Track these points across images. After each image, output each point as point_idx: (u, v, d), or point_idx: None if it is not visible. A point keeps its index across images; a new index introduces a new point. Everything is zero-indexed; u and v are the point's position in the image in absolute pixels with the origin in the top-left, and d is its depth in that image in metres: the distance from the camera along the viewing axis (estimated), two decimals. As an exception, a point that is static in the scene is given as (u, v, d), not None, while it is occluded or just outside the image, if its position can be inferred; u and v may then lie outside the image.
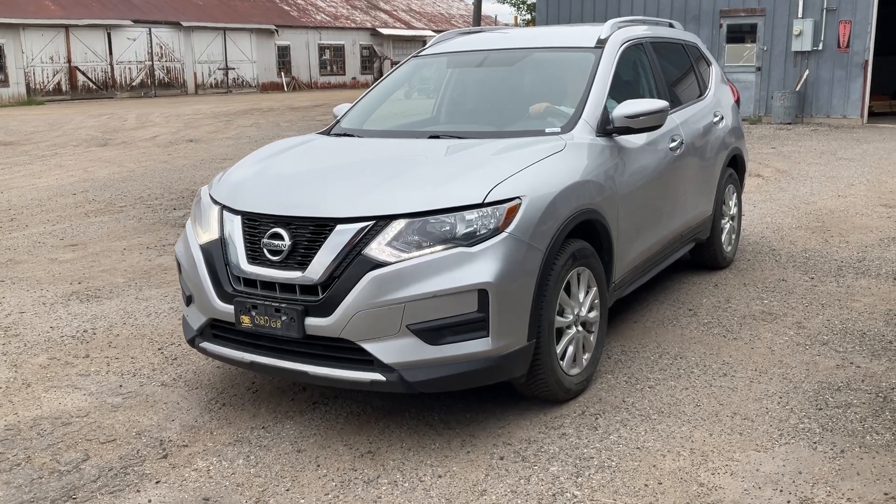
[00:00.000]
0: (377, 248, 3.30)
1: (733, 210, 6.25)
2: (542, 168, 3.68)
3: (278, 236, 3.48)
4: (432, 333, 3.27)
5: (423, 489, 3.17)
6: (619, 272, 4.33)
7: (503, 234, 3.36)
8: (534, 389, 3.68)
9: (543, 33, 5.22)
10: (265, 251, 3.51)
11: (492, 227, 3.36)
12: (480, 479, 3.23)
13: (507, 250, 3.34)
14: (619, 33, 4.86)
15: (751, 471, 3.21)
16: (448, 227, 3.34)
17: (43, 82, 35.72)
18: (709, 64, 6.22)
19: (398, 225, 3.34)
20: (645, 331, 4.84)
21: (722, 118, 5.91)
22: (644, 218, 4.58)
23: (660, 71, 5.20)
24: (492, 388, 3.84)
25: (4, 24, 35.24)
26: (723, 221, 6.04)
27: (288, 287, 3.44)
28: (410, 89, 5.19)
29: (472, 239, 3.33)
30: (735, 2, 18.55)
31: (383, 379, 3.29)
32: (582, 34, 4.88)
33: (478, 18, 27.12)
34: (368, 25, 48.01)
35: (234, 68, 41.62)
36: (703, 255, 6.01)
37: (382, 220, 3.35)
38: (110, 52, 37.36)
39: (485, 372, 3.37)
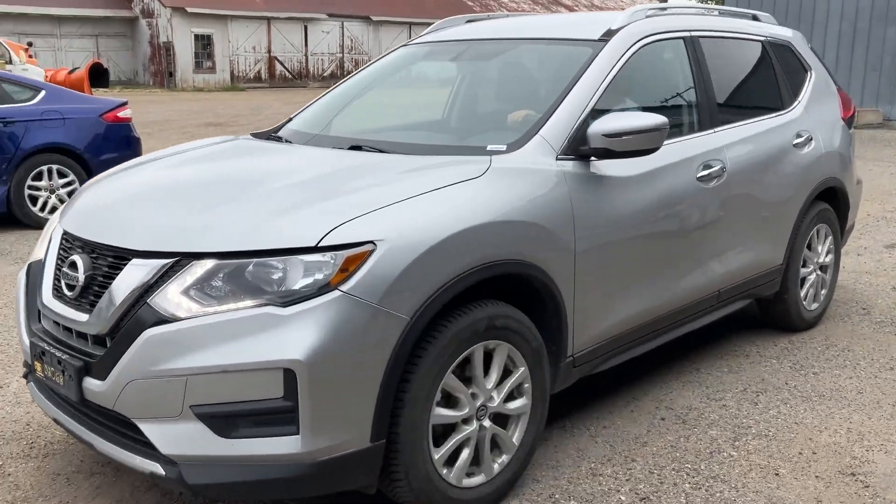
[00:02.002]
0: (170, 297, 2.48)
1: (824, 258, 4.85)
2: (426, 202, 2.70)
3: (74, 266, 2.76)
4: (223, 421, 2.42)
5: (590, 435, 3.53)
6: (582, 344, 3.27)
7: (333, 294, 2.43)
8: None
9: (551, 21, 4.12)
10: (63, 283, 2.81)
11: (320, 281, 2.46)
12: (642, 433, 3.55)
13: (335, 316, 2.42)
14: (637, 25, 3.73)
15: (904, 451, 3.28)
16: (265, 277, 2.48)
17: (245, 70, 37.78)
18: (806, 70, 4.85)
19: (202, 267, 2.50)
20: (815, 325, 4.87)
21: (810, 139, 4.54)
22: (638, 272, 3.47)
23: (706, 76, 3.99)
24: (657, 362, 4.25)
25: (215, 16, 37.46)
26: (803, 273, 4.69)
27: (79, 334, 2.72)
28: (394, 82, 4.25)
29: (289, 297, 2.44)
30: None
31: (162, 473, 2.47)
32: (591, 23, 3.78)
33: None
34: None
35: (420, 61, 42.22)
36: (770, 313, 4.70)
37: (186, 259, 2.54)
38: (306, 44, 38.96)
39: (297, 482, 2.47)
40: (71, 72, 21.88)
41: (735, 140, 4.02)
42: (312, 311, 2.41)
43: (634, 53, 3.64)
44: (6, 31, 33.42)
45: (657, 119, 3.20)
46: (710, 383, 4.05)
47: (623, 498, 3.05)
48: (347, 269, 2.45)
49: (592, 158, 3.24)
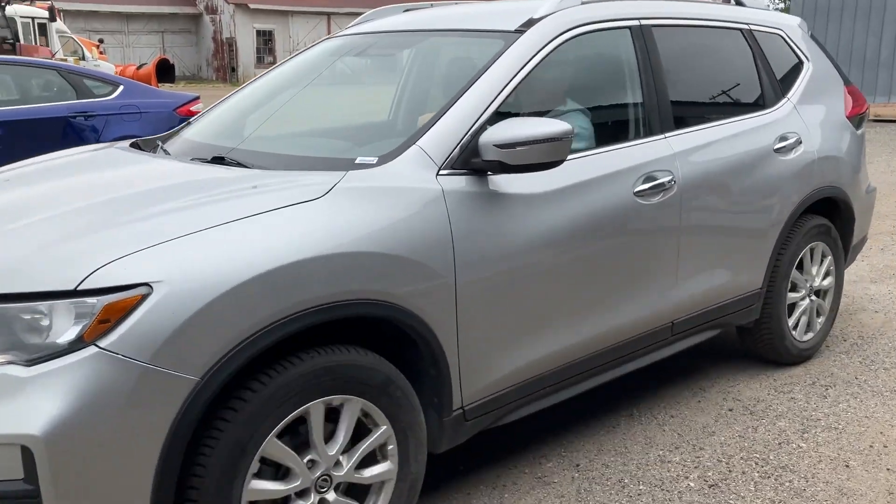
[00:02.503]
0: None
1: (820, 281, 4.17)
2: (235, 232, 2.21)
3: None
4: None
5: (657, 424, 3.54)
6: (475, 394, 2.74)
7: (88, 351, 1.97)
8: None
9: (475, 11, 3.56)
10: None
11: (72, 335, 2.00)
12: (710, 422, 3.56)
13: (88, 379, 1.95)
14: (567, 13, 3.14)
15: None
16: (8, 328, 2.02)
17: (305, 65, 37.83)
18: (802, 62, 4.17)
19: None
20: (886, 321, 4.80)
21: (799, 142, 3.88)
22: (551, 308, 2.91)
23: (658, 72, 3.38)
24: (721, 350, 4.30)
25: (276, 11, 37.70)
26: (792, 298, 4.04)
27: None
28: (310, 80, 3.71)
29: (35, 353, 1.98)
30: None
31: None
32: (513, 12, 3.19)
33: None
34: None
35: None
36: (751, 344, 4.07)
37: None
38: (364, 38, 38.73)
39: None
40: (139, 67, 22.25)
41: (691, 147, 3.41)
42: (59, 373, 1.95)
43: (558, 47, 3.07)
44: (78, 28, 34.13)
45: (559, 126, 2.65)
46: (777, 376, 4.03)
47: (692, 484, 3.10)
48: (109, 320, 1.99)
49: (489, 173, 2.71)
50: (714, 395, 3.83)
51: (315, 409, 2.31)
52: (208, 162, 2.86)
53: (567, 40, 3.11)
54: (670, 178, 3.25)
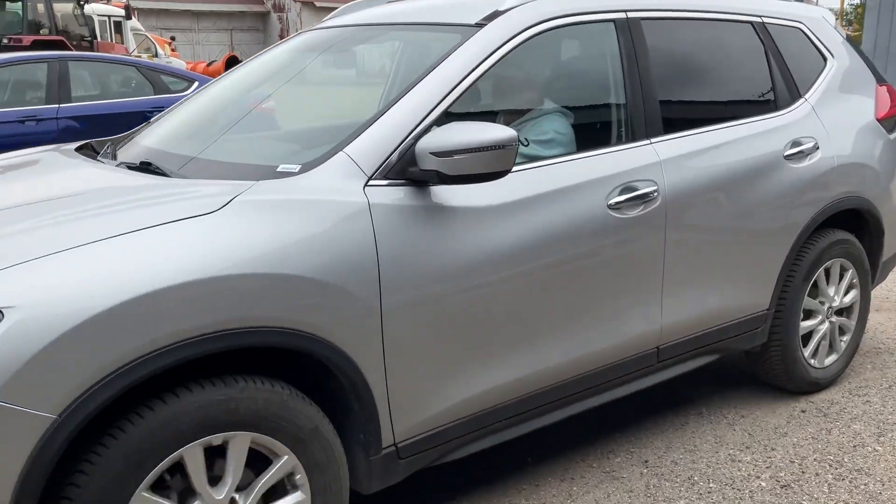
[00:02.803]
0: None
1: (840, 300, 3.75)
2: (107, 252, 1.97)
3: None
4: None
5: (727, 423, 3.50)
6: (409, 430, 2.46)
7: None
8: None
9: (447, 2, 3.24)
10: None
11: None
12: (782, 423, 3.50)
13: None
14: (537, 6, 2.84)
15: None
16: None
17: (369, 63, 37.87)
18: (825, 58, 3.75)
19: None
20: (970, 333, 4.58)
21: (816, 148, 3.48)
22: (502, 334, 2.61)
23: (645, 71, 3.03)
24: None
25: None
26: (809, 323, 3.64)
27: None
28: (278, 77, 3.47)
29: None
30: None
31: None
32: (481, 4, 2.87)
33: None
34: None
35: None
36: (758, 369, 3.69)
37: None
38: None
39: None
40: (209, 64, 22.62)
41: (682, 153, 3.05)
42: None
43: (525, 42, 2.76)
44: (150, 26, 34.84)
45: (503, 133, 2.35)
46: (852, 378, 3.94)
47: (763, 484, 3.06)
48: None
49: (428, 184, 2.43)
50: (786, 396, 3.72)
51: (190, 454, 2.06)
52: (134, 168, 2.65)
53: (537, 34, 2.81)
54: (653, 188, 2.91)
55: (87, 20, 18.87)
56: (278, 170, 2.39)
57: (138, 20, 25.70)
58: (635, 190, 2.87)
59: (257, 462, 2.21)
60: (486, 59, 2.66)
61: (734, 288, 3.28)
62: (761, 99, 3.51)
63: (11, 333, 1.80)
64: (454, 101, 2.58)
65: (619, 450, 3.29)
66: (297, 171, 2.37)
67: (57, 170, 2.80)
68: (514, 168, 2.65)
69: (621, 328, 2.92)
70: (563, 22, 2.89)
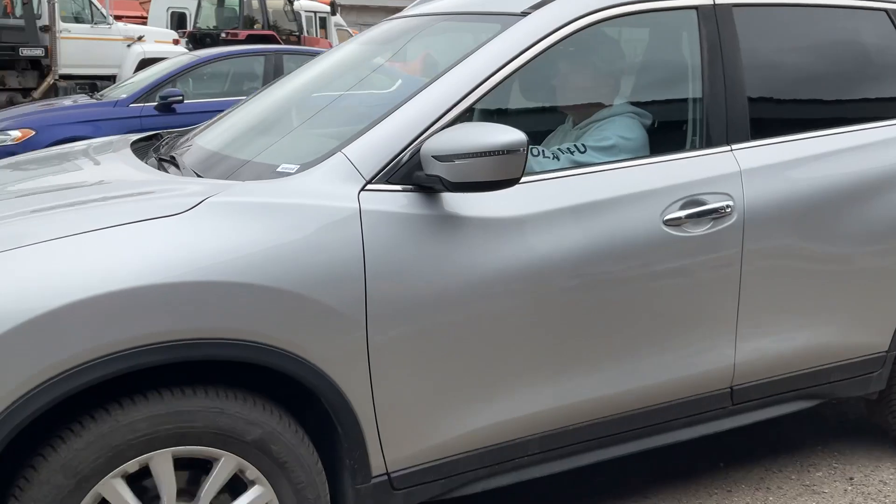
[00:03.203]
0: None
1: None
2: (62, 248, 1.86)
3: None
4: None
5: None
6: (404, 459, 2.23)
7: None
8: None
9: None
10: None
11: None
12: None
13: None
14: None
15: None
16: None
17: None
18: None
19: None
20: None
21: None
22: (526, 361, 2.32)
23: (732, 67, 2.60)
24: None
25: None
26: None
27: None
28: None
29: None
30: None
31: None
32: None
33: None
34: None
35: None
36: (878, 419, 3.13)
37: None
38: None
39: None
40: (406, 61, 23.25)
41: (769, 163, 2.60)
42: None
43: (575, 34, 2.44)
44: (351, 21, 36.29)
45: (509, 136, 2.06)
46: None
47: None
48: None
49: (440, 191, 2.18)
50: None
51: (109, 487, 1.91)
52: (163, 162, 2.58)
53: (594, 23, 2.48)
54: (727, 203, 2.49)
55: (296, 16, 19.84)
56: (278, 169, 2.23)
57: (341, 16, 26.74)
58: (702, 204, 2.47)
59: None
60: (524, 51, 2.37)
61: (839, 325, 2.77)
62: (888, 100, 2.95)
63: None
64: (480, 98, 2.31)
65: (820, 463, 3.14)
66: (293, 171, 2.19)
67: (93, 159, 2.79)
68: (549, 176, 2.37)
69: (680, 364, 2.53)
70: (629, 10, 2.54)
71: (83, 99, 9.58)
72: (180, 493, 2.00)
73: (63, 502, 1.85)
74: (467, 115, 2.30)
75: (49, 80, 13.39)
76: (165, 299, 1.88)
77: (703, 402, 2.64)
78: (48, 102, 10.57)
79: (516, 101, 2.73)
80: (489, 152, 2.05)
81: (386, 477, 2.23)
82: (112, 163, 2.68)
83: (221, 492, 2.06)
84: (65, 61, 13.44)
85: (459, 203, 2.20)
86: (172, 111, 8.17)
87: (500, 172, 2.07)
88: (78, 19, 14.01)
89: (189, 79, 8.97)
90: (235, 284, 1.94)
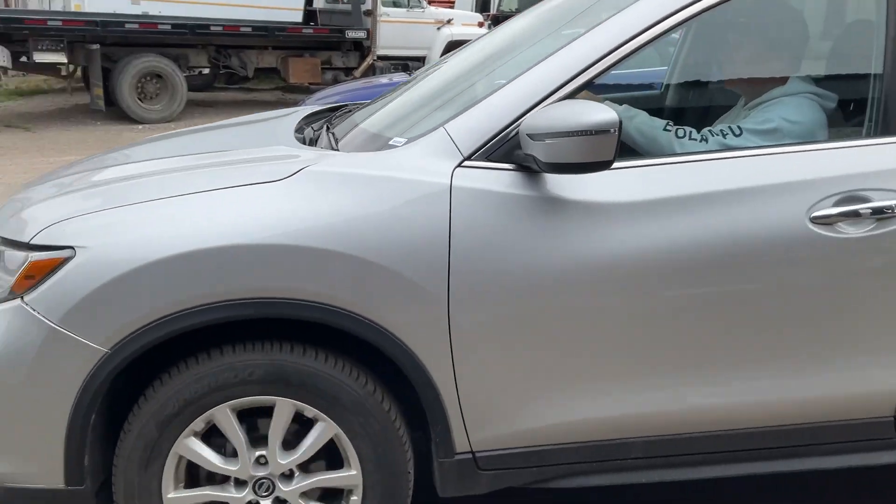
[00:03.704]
0: None
1: None
2: (178, 206, 2.11)
3: None
4: None
5: None
6: (489, 440, 2.21)
7: (13, 302, 2.07)
8: None
9: None
10: None
11: (8, 286, 2.11)
12: None
13: (8, 329, 2.06)
14: None
15: None
16: None
17: None
18: None
19: None
20: None
21: None
22: (637, 357, 2.18)
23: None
24: None
25: None
26: None
27: None
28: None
29: None
30: None
31: None
32: None
33: None
34: None
35: None
36: None
37: None
38: None
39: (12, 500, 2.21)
40: None
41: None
42: None
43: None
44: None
45: (597, 115, 1.95)
46: None
47: None
48: (34, 276, 2.08)
49: (546, 170, 2.09)
50: None
51: (281, 406, 2.13)
52: (317, 134, 2.74)
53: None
54: (891, 204, 2.12)
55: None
56: (390, 143, 2.29)
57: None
58: (864, 201, 2.13)
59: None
60: (682, 8, 2.17)
61: None
62: None
63: (78, 269, 2.04)
64: (606, 70, 2.17)
65: None
66: (400, 145, 2.25)
67: (266, 127, 3.06)
68: (679, 160, 2.21)
69: (818, 383, 2.22)
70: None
71: (398, 77, 10.23)
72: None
73: (180, 422, 2.12)
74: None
75: (368, 60, 14.55)
76: (256, 259, 2.03)
77: (863, 430, 2.29)
78: (368, 80, 11.48)
79: (678, 77, 2.53)
80: (578, 132, 1.94)
81: (470, 455, 2.23)
82: (270, 131, 2.92)
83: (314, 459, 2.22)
84: (382, 43, 14.51)
85: (563, 185, 2.11)
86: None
87: (589, 154, 1.96)
88: (396, 4, 15.05)
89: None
90: (318, 250, 2.04)
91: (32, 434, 2.12)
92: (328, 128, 2.74)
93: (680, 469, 2.31)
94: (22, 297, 2.07)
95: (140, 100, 12.18)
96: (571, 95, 2.14)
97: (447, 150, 2.14)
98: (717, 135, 2.36)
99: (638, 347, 2.17)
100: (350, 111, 3.02)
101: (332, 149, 2.43)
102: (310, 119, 3.02)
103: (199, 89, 14.07)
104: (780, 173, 2.16)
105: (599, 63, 2.16)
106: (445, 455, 2.21)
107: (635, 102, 2.63)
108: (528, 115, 2.10)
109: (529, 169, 2.10)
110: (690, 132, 2.37)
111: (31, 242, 2.11)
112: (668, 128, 2.38)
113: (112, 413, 2.19)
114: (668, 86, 3.19)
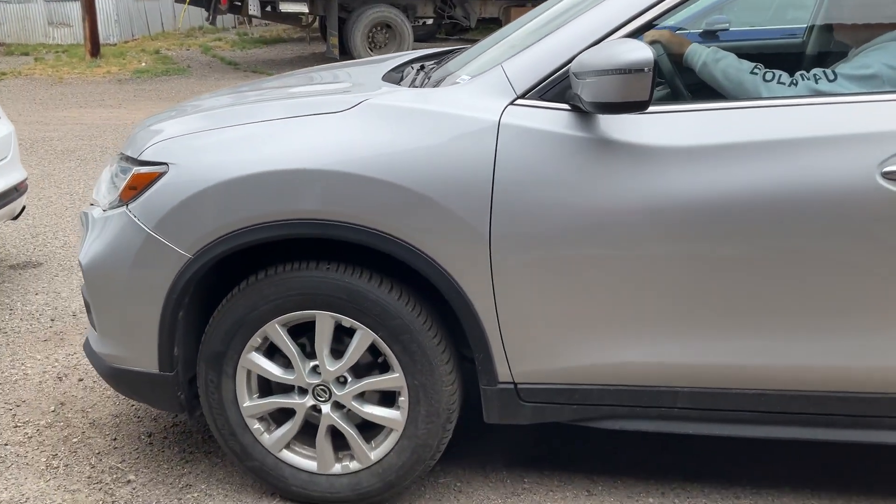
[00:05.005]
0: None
1: None
2: (255, 130, 2.32)
3: None
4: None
5: None
6: (529, 374, 2.27)
7: (120, 209, 2.41)
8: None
9: None
10: None
11: (118, 194, 2.46)
12: None
13: (114, 232, 2.40)
14: None
15: None
16: (118, 182, 2.52)
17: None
18: None
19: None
20: None
21: None
22: (661, 303, 2.14)
23: None
24: None
25: None
26: None
27: None
28: None
29: (112, 202, 2.49)
30: None
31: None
32: None
33: None
34: None
35: None
36: None
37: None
38: None
39: (108, 378, 2.62)
40: None
41: None
42: (105, 221, 2.46)
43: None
44: None
45: (631, 52, 1.91)
46: None
47: None
48: (136, 187, 2.39)
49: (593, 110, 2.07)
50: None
51: (321, 319, 2.33)
52: (408, 72, 2.83)
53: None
54: None
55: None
56: (457, 80, 2.36)
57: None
58: None
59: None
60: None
61: None
62: None
63: (169, 183, 2.32)
64: (668, 11, 2.10)
65: None
66: (465, 82, 2.30)
67: (369, 66, 3.21)
68: (745, 104, 2.14)
69: (877, 347, 2.06)
70: None
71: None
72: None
73: (241, 338, 2.38)
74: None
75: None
76: (313, 182, 2.20)
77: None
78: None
79: (775, 19, 2.38)
80: (614, 70, 1.91)
81: (512, 386, 2.30)
82: (367, 69, 3.08)
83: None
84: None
85: (618, 127, 2.09)
86: (717, 38, 8.14)
87: (624, 93, 1.93)
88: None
89: (734, 7, 8.75)
90: (370, 179, 2.16)
91: (135, 323, 2.45)
92: (423, 66, 2.83)
93: (733, 425, 2.24)
94: (127, 205, 2.39)
95: (370, 48, 12.79)
96: (632, 36, 2.09)
97: (502, 88, 2.18)
98: (809, 79, 2.20)
99: (677, 295, 2.12)
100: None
101: (413, 86, 2.52)
102: (419, 59, 3.13)
103: (423, 40, 14.50)
104: (855, 124, 2.00)
105: (661, 4, 2.09)
106: (488, 383, 2.30)
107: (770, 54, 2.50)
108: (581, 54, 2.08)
109: (580, 109, 2.09)
110: (780, 76, 2.23)
111: (139, 158, 2.42)
112: (756, 70, 2.25)
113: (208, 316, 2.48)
114: (809, 32, 3.01)
